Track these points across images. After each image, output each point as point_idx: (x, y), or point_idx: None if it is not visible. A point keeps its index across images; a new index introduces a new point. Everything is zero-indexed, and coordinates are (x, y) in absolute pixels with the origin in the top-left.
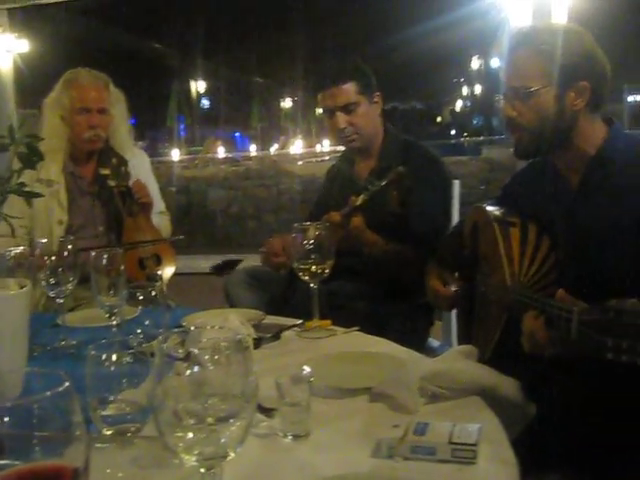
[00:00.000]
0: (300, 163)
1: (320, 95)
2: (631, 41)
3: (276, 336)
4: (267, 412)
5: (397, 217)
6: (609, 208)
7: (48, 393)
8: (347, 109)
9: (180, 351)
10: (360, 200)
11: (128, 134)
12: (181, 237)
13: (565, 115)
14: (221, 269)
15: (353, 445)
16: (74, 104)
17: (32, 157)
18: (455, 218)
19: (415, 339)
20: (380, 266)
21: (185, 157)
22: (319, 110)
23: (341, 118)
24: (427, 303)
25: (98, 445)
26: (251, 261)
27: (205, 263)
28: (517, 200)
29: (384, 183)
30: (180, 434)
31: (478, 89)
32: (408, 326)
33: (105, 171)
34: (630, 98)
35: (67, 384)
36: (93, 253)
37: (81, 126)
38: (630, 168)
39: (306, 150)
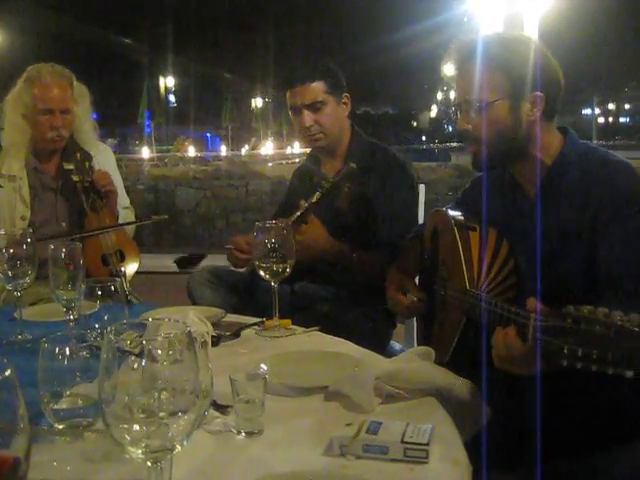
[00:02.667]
0: (270, 164)
1: (288, 93)
2: (601, 51)
3: (235, 334)
4: (222, 409)
5: (358, 218)
6: (565, 217)
7: None
8: (314, 107)
9: (132, 346)
10: (315, 197)
11: (93, 129)
12: (164, 217)
13: (521, 126)
14: (184, 263)
15: (306, 443)
16: (36, 104)
17: None
18: (420, 222)
19: (377, 342)
20: (348, 272)
21: (155, 155)
22: (289, 110)
23: (307, 117)
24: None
25: (48, 438)
26: (217, 261)
27: (171, 262)
28: (476, 205)
29: (336, 179)
30: (126, 426)
31: (452, 95)
32: (370, 328)
33: (69, 166)
34: (598, 110)
35: (9, 372)
36: (52, 246)
37: (44, 126)
38: (585, 177)
39: (276, 152)
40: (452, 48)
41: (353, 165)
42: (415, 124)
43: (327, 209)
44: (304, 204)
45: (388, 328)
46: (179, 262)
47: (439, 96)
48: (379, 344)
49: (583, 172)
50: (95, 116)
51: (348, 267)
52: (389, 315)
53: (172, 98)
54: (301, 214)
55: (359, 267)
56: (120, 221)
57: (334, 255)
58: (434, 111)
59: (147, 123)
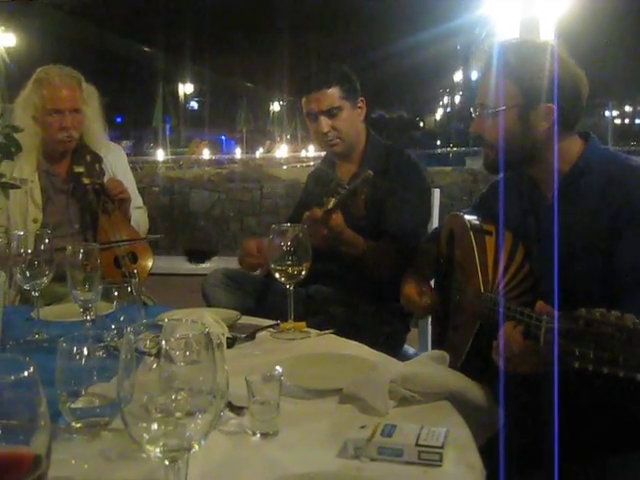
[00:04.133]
0: (285, 167)
1: (304, 99)
2: (619, 57)
3: (250, 336)
4: (237, 410)
5: (371, 218)
6: (581, 223)
7: (12, 377)
8: (330, 113)
9: (150, 346)
10: (331, 204)
11: (102, 130)
12: (159, 236)
13: (530, 135)
14: (194, 257)
15: (320, 445)
16: (45, 105)
17: (10, 148)
18: (435, 226)
19: (391, 345)
20: (358, 266)
21: (170, 157)
22: (305, 116)
23: (324, 122)
24: (403, 310)
25: (65, 436)
26: (230, 263)
27: (185, 265)
28: (493, 209)
29: (351, 187)
30: (144, 425)
31: (457, 100)
32: (384, 332)
33: (79, 169)
34: (615, 112)
35: (32, 369)
36: (69, 247)
37: (53, 127)
38: (604, 182)
39: (291, 155)
40: (476, 53)
41: (370, 172)
42: (422, 124)
43: (343, 213)
44: (328, 205)
45: (402, 332)
46: (189, 254)
47: (445, 100)
48: (393, 348)
49: (602, 177)
50: (119, 119)
51: (362, 257)
52: (403, 319)
53: (194, 105)
54: (328, 210)
55: (372, 257)
56: (132, 223)
57: (350, 243)
58: (439, 114)
59: (167, 128)
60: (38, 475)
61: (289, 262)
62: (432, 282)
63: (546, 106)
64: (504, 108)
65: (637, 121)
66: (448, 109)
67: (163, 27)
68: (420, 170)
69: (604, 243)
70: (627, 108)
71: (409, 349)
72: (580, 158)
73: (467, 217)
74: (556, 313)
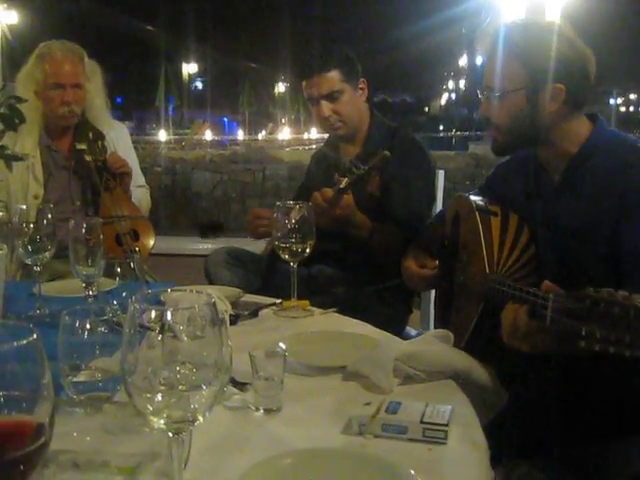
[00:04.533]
0: (287, 149)
1: (304, 83)
2: (625, 42)
3: (253, 313)
4: (240, 386)
5: (378, 201)
6: (588, 204)
7: (15, 343)
8: (331, 97)
9: (153, 320)
10: (344, 183)
11: (105, 107)
12: (143, 216)
13: (539, 116)
14: (207, 230)
15: (324, 421)
16: (47, 79)
17: (14, 119)
18: (439, 209)
19: (393, 326)
20: (364, 248)
21: (172, 138)
22: (307, 101)
23: (325, 107)
24: (406, 291)
25: (67, 410)
26: (232, 243)
27: (188, 245)
28: (499, 190)
29: (369, 167)
30: (149, 396)
31: (462, 85)
32: (386, 313)
33: (81, 146)
34: (619, 100)
35: (35, 336)
36: (72, 221)
37: (55, 102)
38: (612, 164)
39: (294, 137)
40: (480, 35)
41: (387, 153)
42: (427, 109)
43: (354, 193)
44: (341, 184)
45: (404, 314)
46: (201, 229)
47: (450, 85)
48: (395, 329)
49: (610, 159)
50: (119, 100)
51: (368, 239)
52: (405, 300)
53: (199, 85)
54: (341, 189)
55: (379, 240)
56: (134, 200)
57: (358, 226)
58: (444, 98)
59: (170, 108)
60: (41, 443)
61: (293, 240)
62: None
63: (555, 86)
64: (511, 90)
65: None
66: (452, 94)
67: (167, 6)
68: (424, 151)
69: (610, 226)
70: (632, 96)
71: (411, 331)
72: (588, 140)
73: (473, 198)
74: (562, 292)
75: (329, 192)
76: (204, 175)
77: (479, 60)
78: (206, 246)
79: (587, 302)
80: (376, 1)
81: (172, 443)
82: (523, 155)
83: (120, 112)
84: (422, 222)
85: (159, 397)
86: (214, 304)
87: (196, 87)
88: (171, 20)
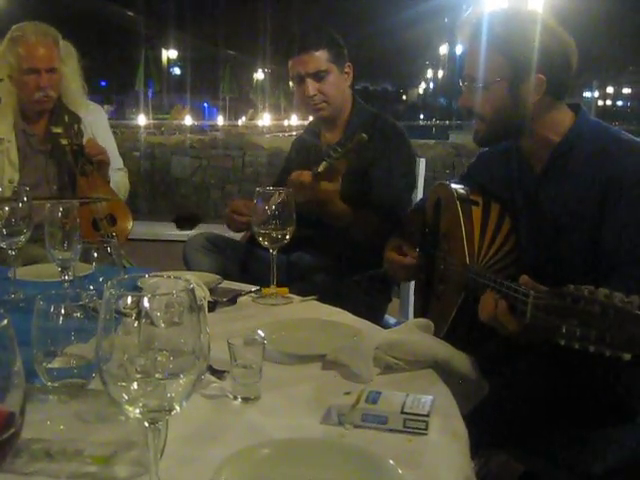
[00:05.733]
0: (267, 136)
1: (291, 61)
2: (601, 38)
3: (232, 300)
4: (218, 374)
5: (358, 185)
6: (570, 195)
7: None
8: (317, 76)
9: (129, 307)
10: (321, 167)
11: (81, 90)
12: (120, 198)
13: (520, 107)
14: (182, 222)
15: (303, 410)
16: (21, 64)
17: None
18: (419, 197)
19: (372, 314)
20: (341, 235)
21: (151, 122)
22: (290, 83)
23: (311, 85)
24: (385, 279)
25: (41, 397)
26: (211, 230)
27: (166, 230)
28: (481, 179)
29: (345, 150)
30: (124, 384)
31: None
32: (366, 301)
33: (57, 129)
34: (597, 93)
35: (5, 322)
36: (48, 205)
37: (29, 87)
38: (595, 154)
39: (274, 123)
40: (460, 25)
41: (364, 135)
42: (405, 98)
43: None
44: (319, 168)
45: (383, 302)
46: (178, 221)
47: (429, 74)
48: (374, 317)
49: (593, 149)
50: (103, 83)
51: (349, 227)
52: (385, 289)
53: (177, 71)
54: (319, 173)
55: (359, 228)
56: (112, 184)
57: (338, 214)
58: (422, 87)
59: (150, 92)
60: (12, 433)
61: (272, 226)
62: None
63: (537, 77)
64: (493, 81)
65: (618, 103)
66: (431, 84)
67: None
68: (405, 138)
69: (592, 216)
70: (609, 89)
71: (390, 319)
72: (571, 130)
73: (454, 186)
74: (543, 289)
75: (307, 176)
76: (183, 160)
77: (459, 50)
78: (188, 232)
79: (568, 300)
80: None
81: (148, 432)
82: (505, 145)
83: (100, 95)
84: (403, 208)
85: (135, 385)
86: (192, 290)
87: (175, 73)
88: (151, 6)
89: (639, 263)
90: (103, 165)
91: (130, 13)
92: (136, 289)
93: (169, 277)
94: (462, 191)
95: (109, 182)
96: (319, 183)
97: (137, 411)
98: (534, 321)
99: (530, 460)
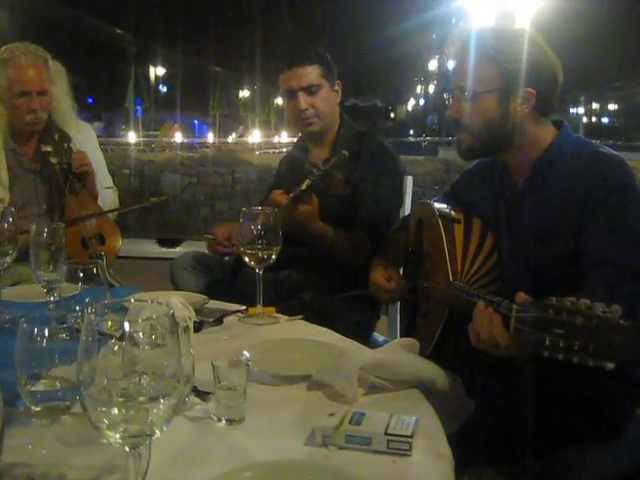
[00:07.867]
0: (257, 153)
1: (283, 76)
2: (590, 51)
3: (218, 320)
4: (202, 395)
5: (344, 203)
6: (551, 208)
7: None
8: (310, 90)
9: (112, 328)
10: (304, 185)
11: (71, 109)
12: (164, 198)
13: (509, 120)
14: (165, 242)
15: (287, 432)
16: (12, 86)
17: None
18: (407, 212)
19: (360, 333)
20: (329, 255)
21: (142, 140)
22: (277, 101)
23: (303, 99)
24: (374, 297)
25: (23, 420)
26: (200, 247)
27: (155, 248)
28: (464, 197)
29: (327, 168)
30: (104, 410)
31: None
32: (354, 319)
33: (47, 148)
34: (581, 110)
35: None
36: (34, 225)
37: (20, 109)
38: (575, 170)
39: (264, 140)
40: (451, 37)
41: (345, 152)
42: (393, 115)
43: (319, 195)
44: (302, 186)
45: (372, 320)
46: (161, 242)
47: (418, 90)
48: (363, 335)
49: (574, 165)
50: (90, 100)
51: (331, 248)
52: (373, 307)
53: (164, 88)
54: (298, 194)
55: (342, 248)
56: (100, 202)
57: (318, 235)
58: (411, 104)
59: (137, 108)
60: None
61: (259, 246)
62: (401, 270)
63: (526, 90)
64: (483, 92)
65: (603, 120)
66: (421, 100)
67: (135, 10)
68: (393, 156)
69: (572, 230)
70: (594, 105)
71: (379, 337)
72: (551, 145)
73: (436, 205)
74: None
75: (281, 198)
76: (173, 177)
77: (450, 65)
78: (174, 250)
79: (550, 312)
80: (345, 8)
81: (129, 457)
82: (489, 161)
83: (90, 113)
84: (390, 227)
85: (115, 411)
86: (173, 315)
87: (162, 91)
88: (139, 24)
89: (615, 268)
90: (88, 177)
91: (119, 30)
92: (122, 309)
93: (152, 302)
94: (444, 209)
95: (97, 198)
96: (296, 205)
97: (117, 436)
98: (517, 334)
99: (517, 478)
